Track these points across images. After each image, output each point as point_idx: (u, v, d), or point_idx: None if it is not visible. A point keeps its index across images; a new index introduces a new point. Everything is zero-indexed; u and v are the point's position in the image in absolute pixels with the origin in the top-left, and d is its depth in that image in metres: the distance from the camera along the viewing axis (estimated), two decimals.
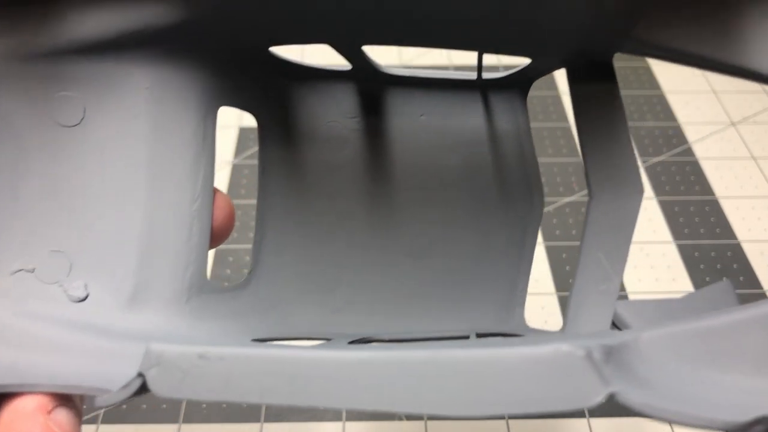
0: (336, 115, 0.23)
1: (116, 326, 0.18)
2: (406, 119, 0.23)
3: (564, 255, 0.40)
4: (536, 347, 0.12)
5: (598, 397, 0.12)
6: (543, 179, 0.45)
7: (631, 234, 0.19)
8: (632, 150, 0.20)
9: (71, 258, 0.19)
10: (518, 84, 0.22)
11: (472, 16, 0.18)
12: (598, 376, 0.12)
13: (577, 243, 0.42)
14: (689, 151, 0.46)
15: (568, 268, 0.40)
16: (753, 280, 0.39)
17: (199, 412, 0.33)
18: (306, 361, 0.13)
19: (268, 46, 0.21)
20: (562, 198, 0.44)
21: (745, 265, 0.40)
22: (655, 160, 0.46)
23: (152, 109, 0.19)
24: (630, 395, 0.12)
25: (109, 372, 0.15)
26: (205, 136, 0.20)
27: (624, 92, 0.51)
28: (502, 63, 0.50)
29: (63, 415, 0.15)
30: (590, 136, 0.20)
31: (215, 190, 0.21)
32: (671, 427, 0.32)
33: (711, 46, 0.16)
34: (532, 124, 0.48)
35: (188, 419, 0.33)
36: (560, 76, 0.51)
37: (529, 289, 0.38)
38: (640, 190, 0.19)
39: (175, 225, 0.20)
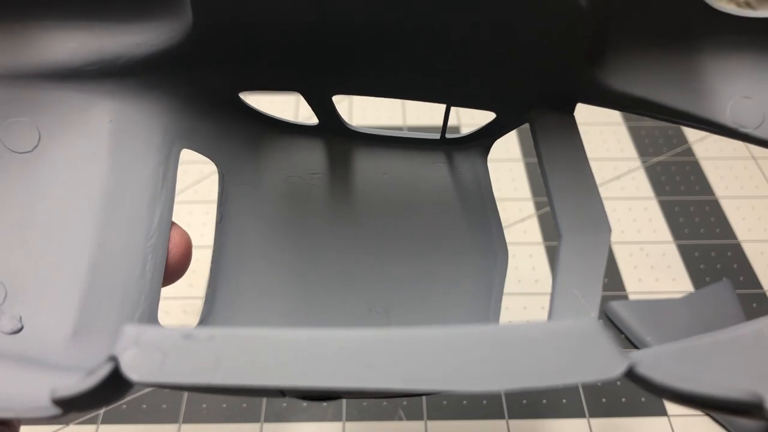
0: (298, 170, 0.23)
1: (57, 360, 0.17)
2: (369, 177, 0.23)
3: None
4: (555, 323, 0.12)
5: (621, 368, 0.11)
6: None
7: (602, 270, 0.20)
8: (597, 191, 0.20)
9: (6, 288, 0.18)
10: (481, 143, 0.23)
11: (440, 71, 0.18)
12: (616, 348, 0.11)
13: None
14: (689, 151, 0.46)
15: None
16: (753, 280, 0.39)
17: (199, 412, 0.33)
18: (307, 340, 0.11)
19: (238, 92, 0.21)
20: None
21: (745, 265, 0.40)
22: (655, 160, 0.46)
23: (113, 143, 0.19)
24: (647, 368, 0.11)
25: (40, 396, 0.13)
26: (166, 176, 0.20)
27: None
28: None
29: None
30: (556, 180, 0.20)
31: (173, 225, 0.20)
32: (671, 427, 0.32)
33: (672, 98, 0.17)
34: None
35: (188, 419, 0.33)
36: None
37: (529, 290, 0.38)
38: (608, 229, 0.20)
39: (128, 261, 0.19)
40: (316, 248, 0.23)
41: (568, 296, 0.19)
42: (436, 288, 0.23)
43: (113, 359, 0.11)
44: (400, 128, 0.52)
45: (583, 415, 0.33)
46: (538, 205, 0.43)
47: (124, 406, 0.33)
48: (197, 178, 0.41)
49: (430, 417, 0.33)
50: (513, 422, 0.33)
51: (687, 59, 0.17)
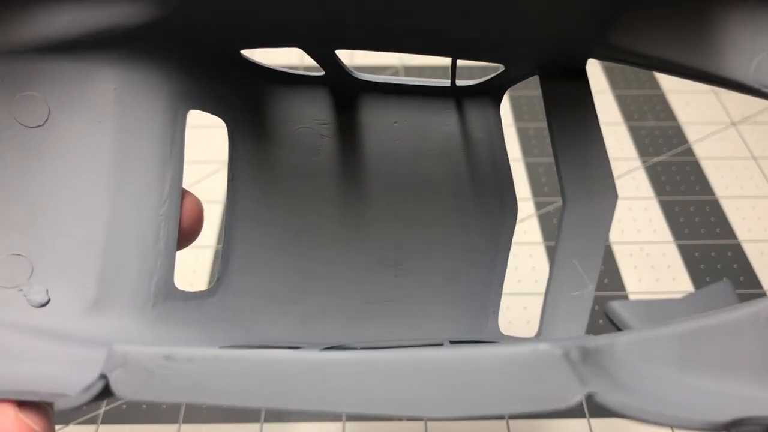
0: (307, 121, 0.23)
1: (78, 332, 0.18)
2: (379, 126, 0.23)
3: None
4: (514, 347, 0.12)
5: (576, 397, 0.12)
6: (543, 179, 0.45)
7: (604, 240, 0.19)
8: (606, 155, 0.19)
9: (32, 262, 0.18)
10: (492, 91, 0.22)
11: (444, 25, 0.18)
12: (575, 376, 0.12)
13: None
14: (689, 151, 0.46)
15: None
16: (753, 280, 0.39)
17: (199, 412, 0.33)
18: (278, 363, 0.12)
19: (240, 49, 0.21)
20: None
21: (745, 265, 0.40)
22: (656, 160, 0.46)
23: (119, 111, 0.19)
24: (608, 395, 0.12)
25: (69, 377, 0.15)
26: (174, 139, 0.20)
27: (624, 92, 0.51)
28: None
29: (32, 413, 0.15)
30: (563, 141, 0.20)
31: (184, 192, 0.20)
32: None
33: (684, 54, 0.16)
34: (535, 124, 0.48)
35: (188, 419, 0.33)
36: None
37: (530, 289, 0.38)
38: (614, 195, 0.19)
39: (141, 229, 0.19)
40: (327, 200, 0.23)
41: (568, 265, 0.19)
42: (446, 240, 0.23)
43: (104, 377, 0.12)
44: (405, 67, 0.51)
45: (583, 415, 0.33)
46: (538, 205, 0.43)
47: (124, 406, 0.33)
48: (198, 178, 0.41)
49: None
50: (513, 422, 0.33)
51: (707, 13, 0.16)
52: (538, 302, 0.38)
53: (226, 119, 0.22)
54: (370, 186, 0.23)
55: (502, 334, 0.22)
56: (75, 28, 0.18)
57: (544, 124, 0.50)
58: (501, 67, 0.21)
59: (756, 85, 0.16)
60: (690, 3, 0.16)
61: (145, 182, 0.19)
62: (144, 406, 0.33)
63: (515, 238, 0.41)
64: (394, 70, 0.52)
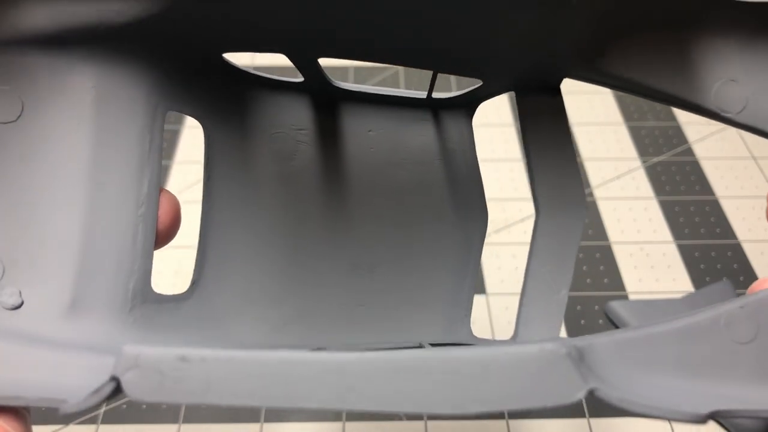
0: (284, 127, 0.23)
1: (55, 335, 0.17)
2: (356, 134, 0.23)
3: None
4: (522, 346, 0.13)
5: (580, 393, 0.12)
6: None
7: (576, 248, 0.20)
8: (577, 169, 0.20)
9: (3, 263, 0.18)
10: (467, 104, 0.23)
11: (426, 39, 0.18)
12: (578, 373, 0.12)
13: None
14: (689, 151, 0.46)
15: None
16: (753, 280, 0.39)
17: (198, 412, 0.33)
18: (289, 363, 0.13)
19: (222, 52, 0.21)
20: None
21: (745, 265, 0.40)
22: (655, 160, 0.46)
23: (97, 110, 0.19)
24: (608, 392, 0.13)
25: (48, 381, 0.15)
26: (152, 140, 0.20)
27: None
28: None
29: (9, 418, 0.14)
30: (537, 155, 0.20)
31: (162, 191, 0.20)
32: (671, 426, 0.32)
33: (654, 78, 0.17)
34: None
35: (188, 419, 0.33)
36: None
37: None
38: (584, 207, 0.20)
39: (119, 230, 0.19)
40: (303, 205, 0.23)
41: (540, 273, 0.20)
42: (419, 246, 0.23)
43: (115, 379, 0.12)
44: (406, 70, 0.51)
45: (583, 415, 0.33)
46: None
47: (124, 406, 0.33)
48: (198, 178, 0.41)
49: (430, 417, 0.33)
50: (513, 422, 0.33)
51: (677, 43, 0.17)
52: None
53: (204, 121, 0.21)
54: (345, 192, 0.23)
55: (475, 337, 0.22)
56: (56, 23, 0.17)
57: None
58: (478, 82, 0.21)
59: (715, 109, 0.17)
60: (661, 32, 0.17)
61: (123, 183, 0.19)
62: (144, 406, 0.33)
63: (515, 238, 0.41)
64: (394, 70, 0.52)
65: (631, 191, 0.44)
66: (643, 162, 0.46)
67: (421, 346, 0.21)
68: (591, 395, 0.12)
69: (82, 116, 0.18)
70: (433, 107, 0.23)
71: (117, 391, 0.12)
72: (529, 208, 0.43)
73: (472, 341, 0.22)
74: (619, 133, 0.46)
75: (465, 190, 0.23)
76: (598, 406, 0.33)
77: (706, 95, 0.17)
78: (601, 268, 0.40)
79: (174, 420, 0.32)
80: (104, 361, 0.13)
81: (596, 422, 0.32)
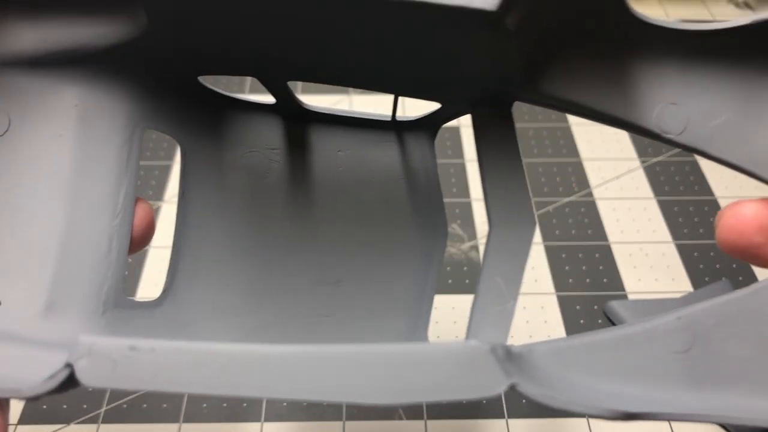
0: (258, 146, 0.24)
1: (30, 335, 0.18)
2: (325, 154, 0.24)
3: (563, 255, 0.40)
4: (449, 343, 0.14)
5: (501, 387, 0.13)
6: (542, 179, 0.45)
7: (525, 261, 0.21)
8: (527, 187, 0.22)
9: None
10: (429, 126, 0.24)
11: (387, 67, 0.20)
12: (501, 369, 0.13)
13: (577, 243, 0.42)
14: None
15: (567, 268, 0.40)
16: (752, 280, 0.39)
17: (199, 411, 0.33)
18: (234, 354, 0.13)
19: (197, 75, 0.22)
20: (561, 198, 0.44)
21: (744, 265, 0.40)
22: (654, 160, 0.46)
23: (79, 127, 0.20)
24: (528, 386, 0.14)
25: (21, 375, 0.15)
26: (130, 156, 0.21)
27: None
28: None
29: None
30: (491, 174, 0.22)
31: (137, 200, 0.21)
32: (670, 427, 0.33)
33: (599, 102, 0.18)
34: (533, 125, 0.48)
35: (189, 419, 0.33)
36: None
37: (529, 290, 0.39)
38: (533, 222, 0.22)
39: (95, 239, 0.20)
40: (273, 221, 0.24)
41: (492, 283, 0.21)
42: (383, 260, 0.25)
43: (69, 366, 0.13)
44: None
45: (582, 415, 0.33)
46: (538, 205, 0.43)
47: (125, 406, 0.33)
48: None
49: (430, 416, 0.33)
50: (513, 421, 0.33)
51: (618, 67, 0.18)
52: (538, 302, 0.38)
53: (180, 140, 0.23)
54: (315, 209, 0.24)
55: (434, 342, 0.23)
56: (42, 46, 0.19)
57: (544, 125, 0.50)
58: (438, 105, 0.23)
59: (657, 131, 0.18)
60: (603, 58, 0.18)
61: (101, 195, 0.20)
62: (144, 405, 0.33)
63: None
64: None
65: (631, 191, 0.44)
66: (642, 162, 0.46)
67: None
68: (513, 390, 0.13)
69: (65, 132, 0.20)
70: (397, 129, 0.24)
71: (71, 377, 0.13)
72: None
73: None
74: (618, 133, 0.46)
75: (427, 208, 0.25)
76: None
77: (648, 117, 0.18)
78: (600, 267, 0.40)
79: (175, 419, 0.33)
80: (65, 356, 0.14)
81: (596, 422, 0.33)
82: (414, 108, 0.22)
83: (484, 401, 0.14)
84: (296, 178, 0.24)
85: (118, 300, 0.21)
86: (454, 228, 0.42)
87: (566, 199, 0.44)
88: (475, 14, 0.15)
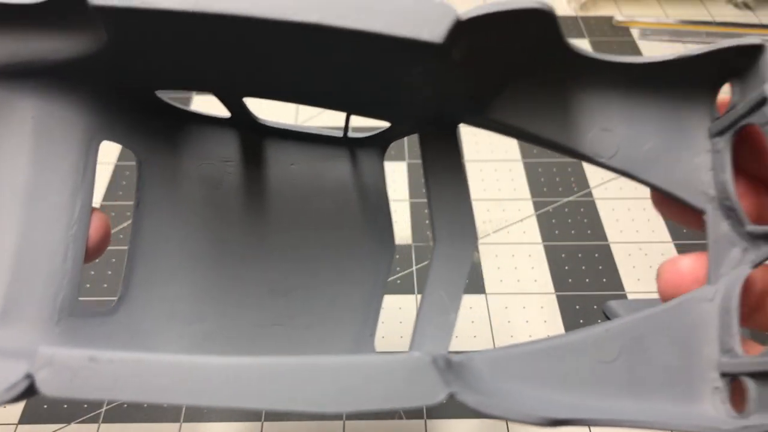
0: (212, 158, 0.25)
1: None
2: (278, 166, 0.25)
3: (563, 255, 0.40)
4: (393, 355, 0.14)
5: (441, 395, 0.14)
6: (542, 179, 0.45)
7: (465, 275, 0.23)
8: (470, 204, 0.23)
9: None
10: (378, 143, 0.25)
11: (339, 89, 0.21)
12: (441, 379, 0.14)
13: (577, 243, 0.42)
14: None
15: (567, 267, 0.40)
16: None
17: (200, 411, 0.33)
18: (190, 365, 0.14)
19: (153, 90, 0.22)
20: (561, 198, 0.44)
21: None
22: None
23: (35, 138, 0.20)
24: (466, 395, 0.15)
25: None
26: (86, 167, 0.21)
27: None
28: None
29: None
30: (436, 191, 0.23)
31: (93, 211, 0.22)
32: None
33: (540, 127, 0.19)
34: None
35: (189, 418, 0.33)
36: None
37: (529, 289, 0.39)
38: (474, 239, 0.23)
39: (51, 248, 0.21)
40: (227, 231, 0.25)
41: (436, 296, 0.22)
42: (332, 272, 0.25)
43: (29, 377, 0.14)
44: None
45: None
46: (537, 206, 0.43)
47: (126, 405, 0.33)
48: None
49: (430, 416, 0.33)
50: (512, 423, 0.33)
51: (556, 96, 0.19)
52: (537, 302, 0.38)
53: (136, 151, 0.23)
54: (267, 220, 0.25)
55: (377, 352, 0.24)
56: (1, 57, 0.19)
57: None
58: (388, 124, 0.24)
59: (591, 154, 0.19)
60: (540, 87, 0.19)
61: (57, 206, 0.21)
62: (145, 405, 0.33)
63: (515, 238, 0.41)
64: None
65: (630, 191, 0.44)
66: None
67: None
68: (452, 398, 0.14)
69: (21, 144, 0.20)
70: (349, 145, 0.25)
71: (31, 387, 0.14)
72: (528, 208, 0.43)
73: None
74: None
75: (375, 221, 0.25)
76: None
77: (583, 142, 0.19)
78: (600, 267, 0.40)
79: (175, 419, 0.33)
80: (24, 365, 0.14)
81: None
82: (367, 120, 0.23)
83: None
84: (250, 190, 0.25)
85: (73, 308, 0.21)
86: None
87: (566, 199, 0.44)
88: (422, 45, 0.16)
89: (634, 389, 0.18)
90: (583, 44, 0.57)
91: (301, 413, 0.14)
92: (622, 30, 0.59)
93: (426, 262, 0.40)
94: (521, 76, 0.19)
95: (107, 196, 0.43)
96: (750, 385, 0.17)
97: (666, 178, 0.19)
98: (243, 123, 0.24)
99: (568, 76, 0.19)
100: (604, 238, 0.41)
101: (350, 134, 0.25)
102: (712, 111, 0.19)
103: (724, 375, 0.18)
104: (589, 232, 0.42)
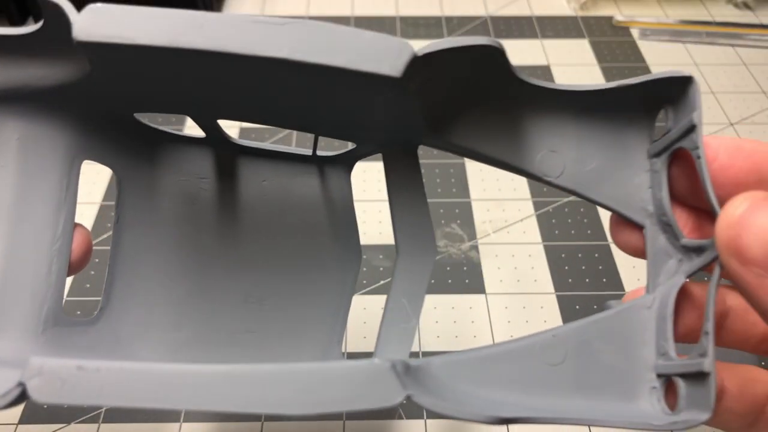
0: (189, 175, 0.26)
1: None
2: (250, 183, 0.26)
3: (563, 255, 0.40)
4: (356, 362, 0.16)
5: (399, 398, 0.16)
6: None
7: (426, 285, 0.24)
8: (429, 219, 0.24)
9: None
10: (346, 162, 0.26)
11: (304, 113, 0.22)
12: (399, 383, 0.16)
13: (577, 243, 0.42)
14: None
15: (567, 267, 0.40)
16: None
17: (200, 412, 0.33)
18: (170, 372, 0.15)
19: (132, 113, 0.24)
20: (561, 198, 0.44)
21: None
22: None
23: (20, 159, 0.22)
24: (422, 397, 0.16)
25: None
26: (69, 186, 0.23)
27: None
28: None
29: None
30: (398, 207, 0.25)
31: (76, 226, 0.23)
32: None
33: (493, 149, 0.21)
34: None
35: (189, 418, 0.33)
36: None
37: (529, 289, 0.39)
38: (434, 253, 0.25)
39: (35, 263, 0.22)
40: (202, 245, 0.26)
41: (398, 304, 0.24)
42: (302, 282, 0.27)
43: (21, 385, 0.15)
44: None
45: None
46: (537, 206, 0.43)
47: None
48: None
49: (430, 416, 0.33)
50: None
51: (506, 121, 0.21)
52: (537, 302, 0.38)
53: (116, 169, 0.25)
54: (241, 233, 0.27)
55: (344, 359, 0.26)
56: None
57: None
58: (353, 144, 0.25)
59: (539, 174, 0.21)
60: (492, 114, 0.20)
61: (41, 222, 0.22)
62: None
63: (515, 238, 0.41)
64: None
65: None
66: None
67: None
68: (409, 400, 0.16)
69: (7, 164, 0.22)
70: (317, 163, 0.26)
71: (23, 394, 0.15)
72: (528, 208, 0.43)
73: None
74: None
75: (343, 235, 0.27)
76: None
77: (531, 163, 0.21)
78: (600, 267, 0.40)
79: (175, 419, 0.33)
80: (14, 373, 0.15)
81: None
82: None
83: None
84: (224, 205, 0.26)
85: (58, 319, 0.22)
86: (454, 228, 0.42)
87: (566, 199, 0.44)
88: (382, 78, 0.17)
89: (580, 389, 0.20)
90: (583, 44, 0.57)
91: (272, 415, 0.15)
92: (622, 30, 0.59)
93: None
94: (474, 103, 0.20)
95: (107, 197, 0.43)
96: (680, 384, 0.18)
97: (609, 196, 0.21)
98: (217, 142, 0.26)
99: (519, 103, 0.20)
100: (604, 238, 0.41)
101: (319, 153, 0.26)
102: (650, 134, 0.20)
103: (659, 376, 0.19)
104: (589, 232, 0.42)
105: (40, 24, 0.19)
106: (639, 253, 0.21)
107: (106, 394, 0.15)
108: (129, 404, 0.15)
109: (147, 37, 0.17)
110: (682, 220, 0.20)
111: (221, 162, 0.26)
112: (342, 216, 0.27)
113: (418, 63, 0.17)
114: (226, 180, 0.26)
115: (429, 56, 0.18)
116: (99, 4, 0.18)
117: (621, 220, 0.21)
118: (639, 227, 0.21)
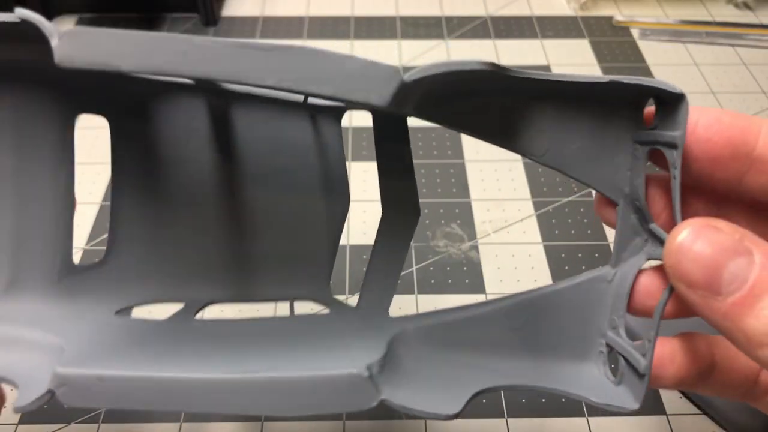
0: (182, 119, 0.27)
1: None
2: (243, 127, 0.27)
3: (563, 255, 0.40)
4: (338, 371, 0.19)
5: (374, 402, 0.19)
6: (542, 179, 0.45)
7: (408, 242, 0.27)
8: (414, 182, 0.26)
9: None
10: (336, 111, 0.28)
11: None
12: (374, 389, 0.19)
13: (577, 243, 0.42)
14: None
15: (567, 267, 0.40)
16: None
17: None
18: (176, 381, 0.18)
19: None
20: (561, 198, 0.44)
21: None
22: None
23: (17, 125, 0.23)
24: (392, 399, 0.19)
25: (9, 366, 0.20)
26: (66, 143, 0.24)
27: None
28: None
29: None
30: (385, 169, 0.26)
31: None
32: (669, 425, 0.33)
33: (481, 129, 0.22)
34: None
35: (189, 418, 0.33)
36: None
37: (529, 288, 0.39)
38: (417, 213, 0.26)
39: (43, 221, 0.24)
40: (200, 183, 0.27)
41: (381, 258, 0.27)
42: (294, 218, 0.28)
43: (51, 392, 0.18)
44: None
45: (582, 414, 0.33)
46: (537, 205, 0.43)
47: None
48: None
49: (268, 418, 0.33)
50: (512, 421, 0.33)
51: (495, 105, 0.21)
52: None
53: (110, 118, 0.26)
54: (237, 172, 0.27)
55: (333, 298, 0.28)
56: None
57: None
58: None
59: (525, 152, 0.22)
60: (487, 104, 0.21)
61: (44, 183, 0.24)
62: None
63: (515, 238, 0.41)
64: None
65: None
66: None
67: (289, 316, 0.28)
68: (382, 403, 0.19)
69: (4, 132, 0.23)
70: (309, 110, 0.27)
71: (53, 399, 0.18)
72: (528, 208, 0.43)
73: (330, 302, 0.28)
74: None
75: (332, 176, 0.28)
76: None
77: (519, 141, 0.22)
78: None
79: (175, 419, 0.33)
80: (44, 383, 0.18)
81: (595, 421, 0.33)
82: None
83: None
84: (218, 145, 0.27)
85: (70, 267, 0.25)
86: (454, 228, 0.42)
87: (566, 199, 0.44)
88: (370, 105, 0.18)
89: (534, 351, 0.22)
90: (583, 44, 0.57)
91: (269, 416, 0.17)
92: (622, 30, 0.59)
93: (425, 262, 0.40)
94: (465, 97, 0.21)
95: (107, 197, 0.43)
96: (621, 361, 0.20)
97: (589, 174, 0.22)
98: (209, 88, 0.27)
99: (510, 92, 0.21)
100: (604, 238, 0.41)
101: (309, 101, 0.27)
102: (637, 120, 0.21)
103: (607, 345, 0.22)
104: (589, 232, 0.42)
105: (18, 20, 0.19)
106: None
107: (124, 399, 0.18)
108: (143, 407, 0.18)
109: (131, 64, 0.17)
110: (661, 204, 0.21)
111: (214, 106, 0.27)
112: (332, 159, 0.28)
113: (407, 87, 0.18)
114: (218, 124, 0.27)
115: (418, 82, 0.18)
116: (80, 28, 0.18)
117: (602, 205, 0.22)
118: (612, 203, 0.22)
